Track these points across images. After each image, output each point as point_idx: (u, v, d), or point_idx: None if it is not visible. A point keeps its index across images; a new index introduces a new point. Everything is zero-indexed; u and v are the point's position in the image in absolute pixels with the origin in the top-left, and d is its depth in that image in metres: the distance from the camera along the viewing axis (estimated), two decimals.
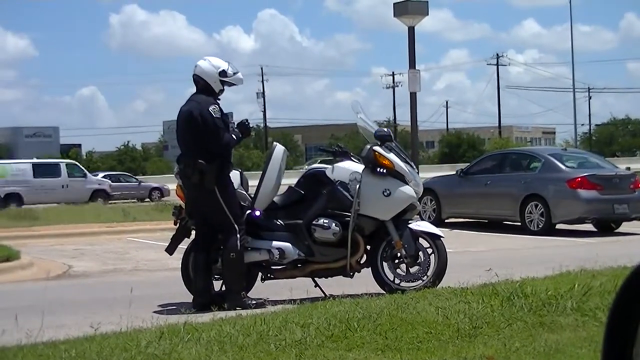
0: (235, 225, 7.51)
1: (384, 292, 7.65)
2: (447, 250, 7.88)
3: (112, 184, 34.27)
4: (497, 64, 74.66)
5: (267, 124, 78.25)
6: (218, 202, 7.47)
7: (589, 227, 15.15)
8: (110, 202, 31.14)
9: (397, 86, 77.58)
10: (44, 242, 15.49)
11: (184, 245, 8.06)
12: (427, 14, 20.47)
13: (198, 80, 7.71)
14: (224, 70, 7.68)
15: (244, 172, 8.29)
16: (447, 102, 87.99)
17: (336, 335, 5.48)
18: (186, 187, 7.70)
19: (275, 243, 7.78)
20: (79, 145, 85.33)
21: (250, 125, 7.95)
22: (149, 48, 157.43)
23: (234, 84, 7.85)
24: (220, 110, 7.59)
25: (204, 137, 7.48)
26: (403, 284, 7.82)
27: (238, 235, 7.49)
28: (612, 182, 14.94)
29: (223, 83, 7.72)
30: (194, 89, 7.80)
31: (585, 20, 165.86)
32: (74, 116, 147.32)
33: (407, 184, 7.91)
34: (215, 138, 7.48)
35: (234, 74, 7.77)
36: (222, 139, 7.52)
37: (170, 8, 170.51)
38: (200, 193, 7.52)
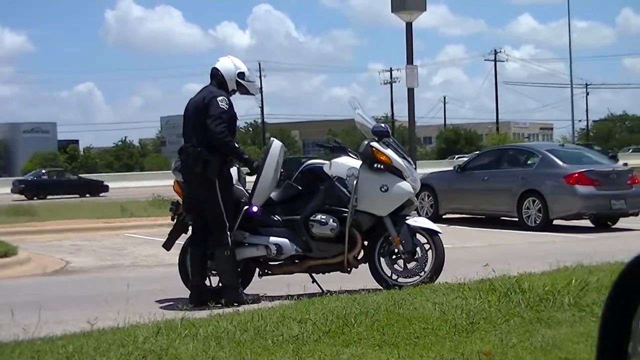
0: (227, 222, 7.50)
1: (382, 287, 7.66)
2: (444, 246, 7.88)
3: None
4: (495, 60, 74.74)
5: (265, 119, 78.27)
6: (215, 195, 7.44)
7: (586, 222, 15.15)
8: None
9: (395, 82, 77.71)
10: (42, 237, 15.47)
11: (181, 240, 8.06)
12: (425, 10, 20.40)
13: (215, 73, 7.76)
14: (242, 72, 7.81)
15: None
16: (444, 98, 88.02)
17: (333, 330, 5.48)
18: (187, 178, 7.67)
19: (272, 239, 7.78)
20: (77, 141, 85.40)
21: (256, 166, 7.79)
22: (146, 44, 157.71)
23: (248, 91, 7.91)
24: (230, 104, 7.58)
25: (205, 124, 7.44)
26: (400, 279, 7.82)
27: (228, 232, 7.49)
28: (609, 177, 14.93)
29: (238, 85, 7.78)
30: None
31: (582, 16, 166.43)
32: (71, 112, 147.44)
33: (405, 180, 7.91)
34: (212, 125, 7.36)
35: (250, 82, 7.91)
36: (217, 127, 7.36)
37: (165, 3, 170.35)
38: (201, 183, 7.49)
